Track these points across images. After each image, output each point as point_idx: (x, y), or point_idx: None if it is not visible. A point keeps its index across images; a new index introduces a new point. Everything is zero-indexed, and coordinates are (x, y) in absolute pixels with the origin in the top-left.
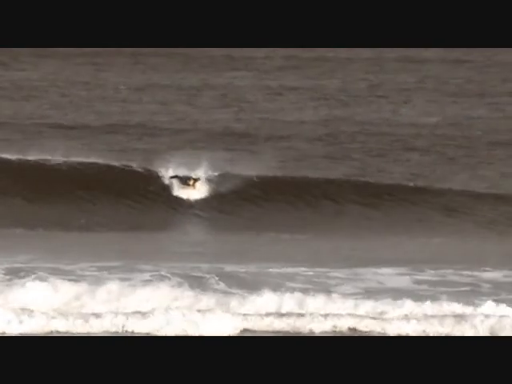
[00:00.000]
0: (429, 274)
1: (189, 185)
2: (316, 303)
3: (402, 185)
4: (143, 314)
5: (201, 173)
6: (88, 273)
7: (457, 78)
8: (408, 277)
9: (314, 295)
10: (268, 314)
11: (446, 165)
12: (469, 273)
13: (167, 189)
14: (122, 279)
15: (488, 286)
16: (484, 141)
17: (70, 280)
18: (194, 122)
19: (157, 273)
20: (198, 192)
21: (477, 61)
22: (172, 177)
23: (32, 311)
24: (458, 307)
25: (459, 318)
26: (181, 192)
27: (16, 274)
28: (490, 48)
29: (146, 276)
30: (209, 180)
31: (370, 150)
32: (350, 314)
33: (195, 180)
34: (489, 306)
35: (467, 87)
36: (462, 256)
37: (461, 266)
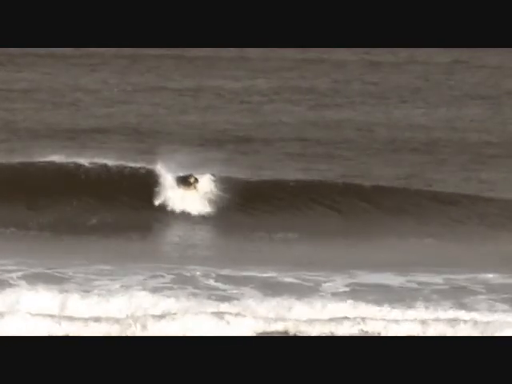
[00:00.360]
0: (423, 276)
1: (190, 183)
2: (308, 307)
3: (396, 186)
4: (138, 317)
5: (198, 174)
6: (81, 275)
7: (452, 80)
8: (401, 278)
9: (307, 299)
10: (258, 317)
11: (440, 166)
12: (462, 274)
13: (165, 190)
14: (116, 281)
15: (481, 287)
16: (479, 142)
17: (62, 282)
18: (191, 123)
19: (151, 274)
20: (196, 193)
21: (471, 62)
22: (177, 178)
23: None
24: (450, 310)
25: (449, 320)
26: (179, 193)
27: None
28: (483, 48)
29: (140, 278)
30: (206, 181)
31: (364, 151)
32: (341, 318)
33: (196, 179)
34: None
35: (463, 88)
36: (455, 257)
37: (454, 267)
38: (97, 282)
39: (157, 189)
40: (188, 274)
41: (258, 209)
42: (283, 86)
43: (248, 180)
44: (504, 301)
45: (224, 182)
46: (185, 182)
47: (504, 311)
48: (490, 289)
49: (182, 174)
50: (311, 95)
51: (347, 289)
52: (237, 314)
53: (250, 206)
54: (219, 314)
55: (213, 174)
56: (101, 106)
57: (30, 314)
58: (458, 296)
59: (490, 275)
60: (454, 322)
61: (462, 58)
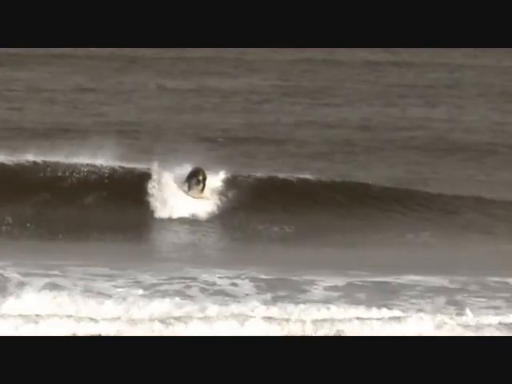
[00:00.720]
0: (420, 276)
1: (199, 181)
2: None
3: (395, 186)
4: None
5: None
6: (78, 276)
7: (452, 80)
8: (399, 278)
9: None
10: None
11: (439, 165)
12: (460, 275)
13: (164, 189)
14: (113, 283)
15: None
16: (479, 142)
17: (58, 283)
18: (191, 123)
19: (150, 275)
20: (200, 191)
21: (470, 61)
22: (188, 173)
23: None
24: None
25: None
26: (179, 192)
27: None
28: (482, 48)
29: (138, 279)
30: (213, 179)
31: (363, 150)
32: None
33: (204, 175)
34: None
35: (463, 88)
36: (454, 258)
37: (452, 267)
38: (94, 284)
39: (155, 188)
40: (187, 275)
41: (258, 208)
42: (282, 85)
43: (246, 179)
44: (499, 301)
45: (224, 181)
46: (193, 177)
47: (498, 312)
48: (487, 289)
49: (191, 169)
50: (310, 95)
51: (345, 288)
52: (235, 315)
53: (250, 205)
54: (218, 315)
55: (211, 175)
56: (100, 105)
57: (25, 314)
58: (453, 295)
59: (488, 275)
60: (448, 322)
61: (460, 58)
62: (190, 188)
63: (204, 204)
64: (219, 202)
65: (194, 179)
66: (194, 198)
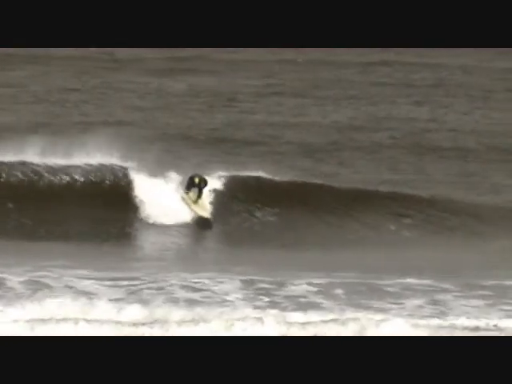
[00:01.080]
0: (394, 279)
1: (195, 184)
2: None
3: (375, 187)
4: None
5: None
6: (60, 277)
7: (435, 79)
8: (372, 281)
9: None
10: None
11: (420, 166)
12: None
13: (155, 190)
14: (96, 285)
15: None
16: (473, 145)
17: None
18: (180, 124)
19: (133, 277)
20: (196, 195)
21: (468, 62)
22: (187, 188)
23: None
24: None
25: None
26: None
27: None
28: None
29: (121, 281)
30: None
31: (346, 151)
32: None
33: (203, 181)
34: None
35: (458, 88)
36: (431, 260)
37: (427, 270)
38: (79, 285)
39: (140, 189)
40: (173, 277)
41: (242, 208)
42: (269, 85)
43: (232, 179)
44: (479, 302)
45: (210, 181)
46: (193, 186)
47: (478, 312)
48: (469, 290)
49: (190, 176)
50: (297, 95)
51: (327, 289)
52: (220, 316)
53: (234, 205)
54: (203, 316)
55: (208, 172)
56: (85, 105)
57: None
58: (433, 296)
59: (470, 277)
60: (427, 322)
61: (446, 58)
62: (191, 192)
63: (201, 217)
64: (215, 203)
65: (195, 188)
66: (196, 212)
